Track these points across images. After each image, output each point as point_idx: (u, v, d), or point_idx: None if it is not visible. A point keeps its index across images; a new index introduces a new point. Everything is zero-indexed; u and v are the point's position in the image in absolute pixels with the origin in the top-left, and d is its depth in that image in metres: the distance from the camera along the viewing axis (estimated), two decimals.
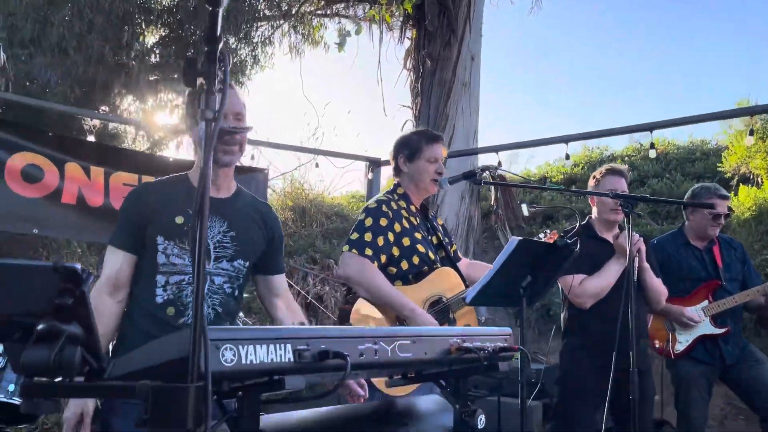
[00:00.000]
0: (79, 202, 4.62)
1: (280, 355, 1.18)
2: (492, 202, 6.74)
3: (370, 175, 6.15)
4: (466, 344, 1.53)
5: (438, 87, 6.53)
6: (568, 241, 2.49)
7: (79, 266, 0.95)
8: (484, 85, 6.94)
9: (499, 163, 4.47)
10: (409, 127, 6.91)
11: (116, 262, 1.97)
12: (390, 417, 1.67)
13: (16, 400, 3.44)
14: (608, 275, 3.17)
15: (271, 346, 1.17)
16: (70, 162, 4.60)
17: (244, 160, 5.49)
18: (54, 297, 0.96)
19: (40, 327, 0.97)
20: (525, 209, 3.94)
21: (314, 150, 6.03)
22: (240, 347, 1.12)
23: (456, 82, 6.55)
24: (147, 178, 4.98)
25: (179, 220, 1.98)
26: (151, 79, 11.92)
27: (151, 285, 1.96)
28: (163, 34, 12.28)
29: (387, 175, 6.69)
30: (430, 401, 1.87)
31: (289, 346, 1.19)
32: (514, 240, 2.35)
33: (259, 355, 1.15)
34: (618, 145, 12.25)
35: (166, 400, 0.96)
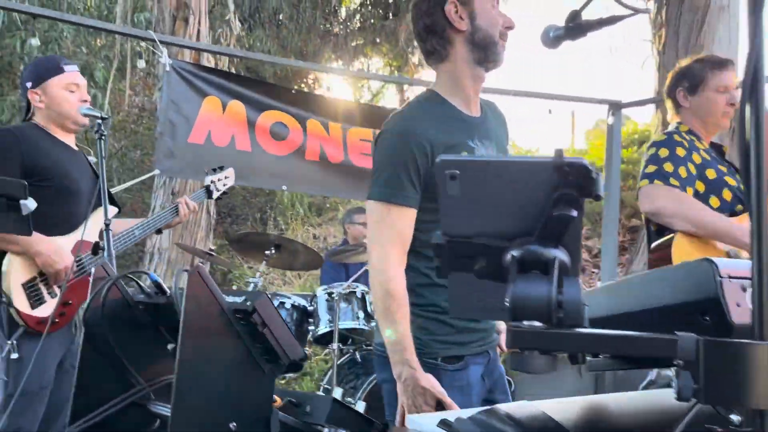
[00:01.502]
0: (322, 158, 4.64)
1: None
2: None
3: (610, 120, 5.51)
4: None
5: (689, 14, 5.63)
6: None
7: (585, 160, 0.64)
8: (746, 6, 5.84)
9: None
10: (651, 64, 6.09)
11: (408, 223, 1.60)
12: None
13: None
14: None
15: None
16: (311, 118, 4.62)
17: None
18: (546, 206, 0.67)
19: (516, 252, 0.69)
20: None
21: (546, 95, 5.52)
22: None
23: (712, 5, 5.59)
24: None
25: (465, 154, 1.64)
26: (354, 44, 12.13)
27: None
28: None
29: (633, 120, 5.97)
30: None
31: None
32: None
33: None
34: None
35: (722, 361, 0.63)
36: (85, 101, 2.32)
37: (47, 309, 2.06)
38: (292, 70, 10.66)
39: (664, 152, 2.28)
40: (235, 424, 0.91)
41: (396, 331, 1.52)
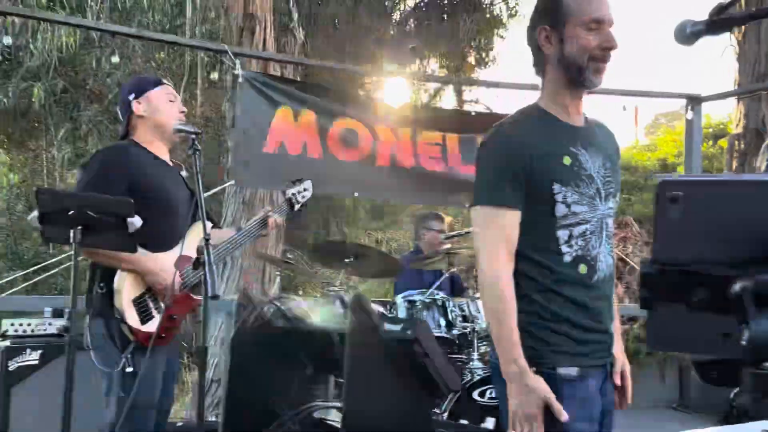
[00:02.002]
0: (392, 164, 4.60)
1: None
2: None
3: (689, 115, 5.27)
4: None
5: None
6: None
7: None
8: None
9: None
10: (730, 55, 5.81)
11: (513, 224, 1.64)
12: None
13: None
14: None
15: None
16: (381, 124, 4.59)
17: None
18: None
19: (751, 283, 0.61)
20: None
21: (621, 91, 5.32)
22: None
23: None
24: (451, 136, 4.82)
25: (566, 161, 1.67)
26: (410, 46, 12.06)
27: (554, 243, 1.64)
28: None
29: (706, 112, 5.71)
30: None
31: None
32: None
33: None
34: None
35: None
36: (183, 112, 2.36)
37: (156, 324, 2.09)
38: (351, 77, 10.72)
39: None
40: None
41: (504, 329, 1.56)
